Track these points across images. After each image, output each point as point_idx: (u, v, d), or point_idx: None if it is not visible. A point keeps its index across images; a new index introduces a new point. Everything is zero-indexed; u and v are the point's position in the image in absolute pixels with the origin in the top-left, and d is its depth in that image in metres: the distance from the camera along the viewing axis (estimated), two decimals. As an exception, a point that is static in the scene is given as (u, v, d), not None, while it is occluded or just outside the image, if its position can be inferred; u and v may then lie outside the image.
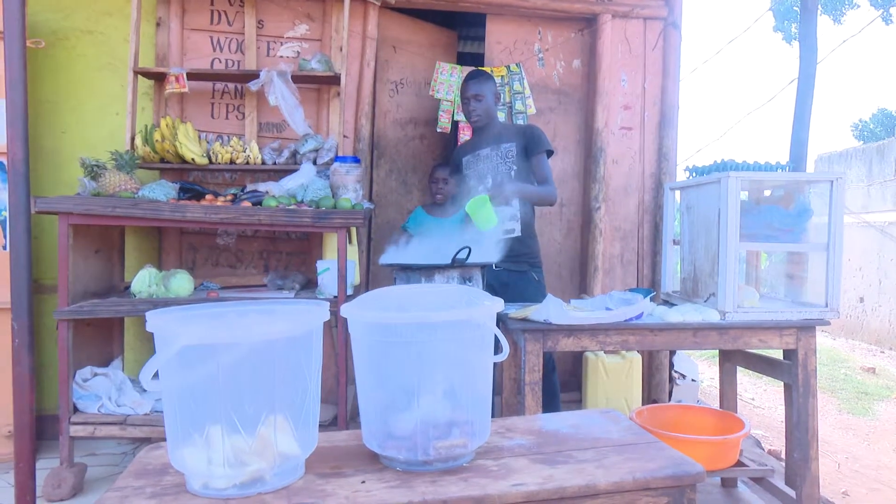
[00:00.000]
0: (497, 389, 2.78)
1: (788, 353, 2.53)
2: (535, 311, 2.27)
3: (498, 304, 1.16)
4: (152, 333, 1.06)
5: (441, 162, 3.72)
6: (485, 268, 2.43)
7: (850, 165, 11.70)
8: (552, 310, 2.24)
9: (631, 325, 2.33)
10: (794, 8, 16.41)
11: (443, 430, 1.16)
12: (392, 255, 2.57)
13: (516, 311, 2.38)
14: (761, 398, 7.28)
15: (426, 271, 2.25)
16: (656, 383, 3.75)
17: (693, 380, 4.49)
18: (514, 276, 3.03)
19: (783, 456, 5.23)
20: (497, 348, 1.23)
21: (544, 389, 2.98)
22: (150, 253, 3.60)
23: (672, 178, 3.81)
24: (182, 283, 2.98)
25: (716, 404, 6.27)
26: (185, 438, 1.10)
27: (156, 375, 1.08)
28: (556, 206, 3.78)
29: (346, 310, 1.15)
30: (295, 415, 1.17)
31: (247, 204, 2.97)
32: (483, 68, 3.77)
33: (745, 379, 7.75)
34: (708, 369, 8.02)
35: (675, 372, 4.04)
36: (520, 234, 3.00)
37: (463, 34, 5.32)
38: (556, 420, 1.40)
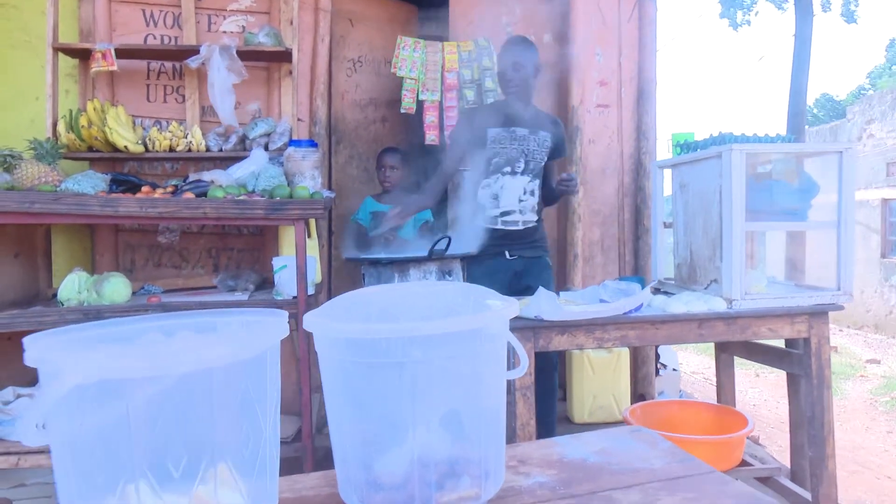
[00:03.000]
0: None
1: (795, 342, 2.33)
2: (526, 307, 2.00)
3: (512, 305, 0.88)
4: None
5: (388, 147, 3.42)
6: (465, 259, 2.15)
7: (806, 147, 11.87)
8: (544, 304, 1.98)
9: (630, 318, 2.09)
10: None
11: (447, 474, 0.88)
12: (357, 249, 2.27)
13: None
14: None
15: (400, 266, 1.95)
16: (643, 376, 3.53)
17: (674, 369, 4.32)
18: (530, 262, 2.76)
19: (761, 442, 5.14)
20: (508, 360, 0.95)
21: (543, 389, 2.75)
22: (82, 255, 3.19)
23: (652, 157, 3.59)
24: (117, 287, 2.61)
25: (697, 394, 6.14)
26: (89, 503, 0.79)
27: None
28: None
29: (311, 321, 0.85)
30: (245, 463, 0.86)
31: (189, 195, 2.61)
32: (450, 42, 3.48)
33: (709, 360, 7.70)
34: (680, 355, 7.95)
35: (660, 363, 3.85)
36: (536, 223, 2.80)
37: (423, 15, 5.00)
38: (579, 446, 1.12)
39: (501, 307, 0.88)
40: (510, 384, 2.08)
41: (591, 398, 3.17)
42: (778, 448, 5.00)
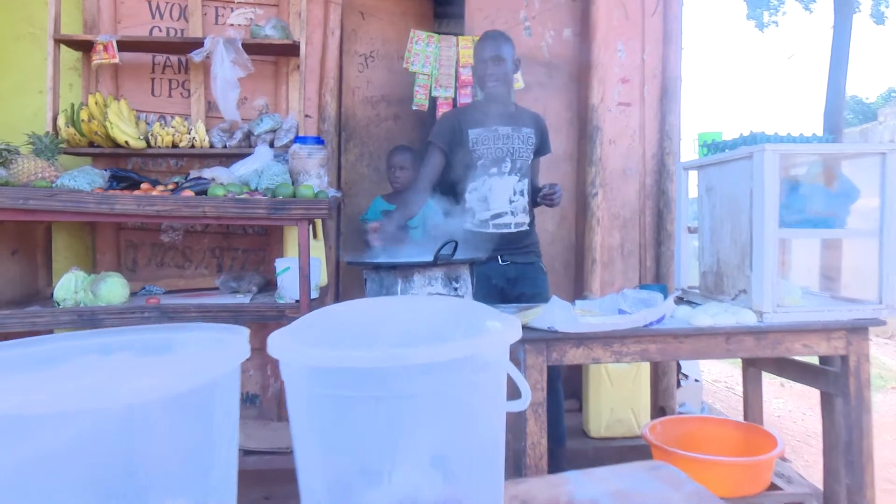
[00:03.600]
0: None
1: (831, 359, 2.15)
2: (539, 317, 1.85)
3: (513, 327, 0.74)
4: None
5: (399, 145, 3.30)
6: (474, 264, 2.01)
7: (834, 150, 11.55)
8: (558, 315, 1.83)
9: (651, 331, 1.93)
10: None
11: (432, 525, 0.74)
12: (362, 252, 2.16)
13: (515, 315, 1.97)
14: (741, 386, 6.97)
15: (403, 271, 1.82)
16: (664, 388, 3.36)
17: (696, 380, 4.13)
18: (524, 268, 2.64)
19: (787, 456, 4.92)
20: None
21: (549, 402, 2.59)
22: (83, 253, 3.11)
23: (676, 158, 3.42)
24: (114, 288, 2.52)
25: (720, 405, 5.91)
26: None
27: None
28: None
29: (275, 344, 0.71)
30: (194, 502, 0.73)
31: (189, 193, 2.51)
32: (465, 36, 3.34)
33: (732, 368, 7.45)
34: (701, 363, 7.70)
35: (681, 374, 3.68)
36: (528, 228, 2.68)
37: (437, 12, 4.87)
38: (592, 485, 0.98)
39: (499, 330, 0.74)
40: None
41: (608, 411, 3.01)
42: (805, 463, 4.78)
